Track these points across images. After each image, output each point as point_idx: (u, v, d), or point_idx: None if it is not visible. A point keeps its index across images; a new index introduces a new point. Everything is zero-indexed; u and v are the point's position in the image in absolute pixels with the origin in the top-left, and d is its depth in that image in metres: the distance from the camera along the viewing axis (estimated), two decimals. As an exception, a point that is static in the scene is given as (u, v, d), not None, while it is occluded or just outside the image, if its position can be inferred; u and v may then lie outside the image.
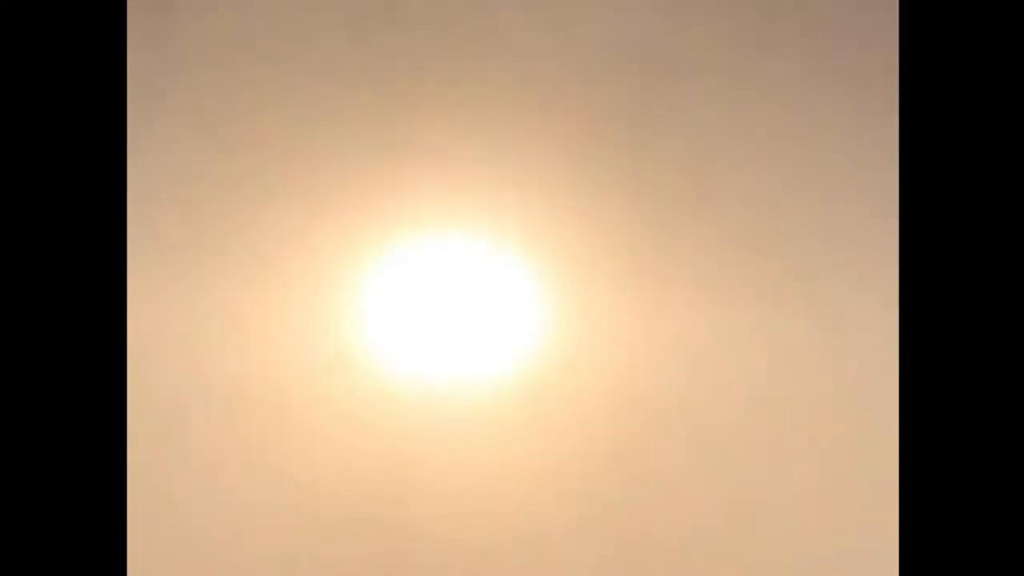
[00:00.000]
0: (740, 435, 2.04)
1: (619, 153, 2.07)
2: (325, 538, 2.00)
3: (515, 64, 2.08)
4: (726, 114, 2.09)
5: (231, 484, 1.99)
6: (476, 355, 2.03)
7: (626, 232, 2.06)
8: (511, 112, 2.07)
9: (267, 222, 2.03)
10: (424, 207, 2.05)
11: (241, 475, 1.99)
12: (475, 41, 2.08)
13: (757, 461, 2.04)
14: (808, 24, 2.11)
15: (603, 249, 2.06)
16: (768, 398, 2.05)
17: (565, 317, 2.05)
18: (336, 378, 2.01)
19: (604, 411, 2.04)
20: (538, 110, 2.07)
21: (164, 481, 1.98)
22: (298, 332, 2.02)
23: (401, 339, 2.03)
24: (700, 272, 2.06)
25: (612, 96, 2.08)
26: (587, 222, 2.06)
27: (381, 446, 2.01)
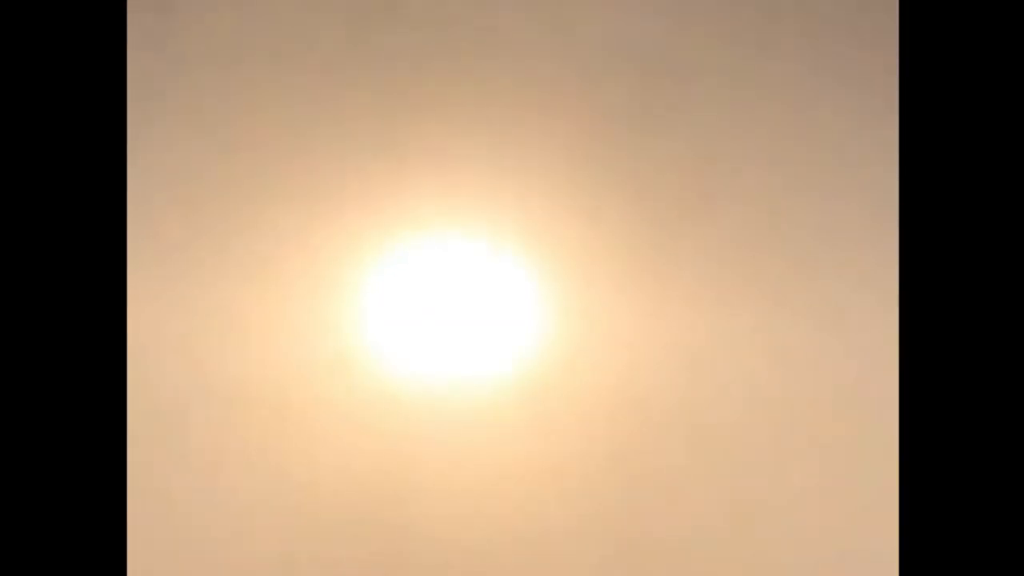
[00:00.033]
0: (740, 435, 2.04)
1: (619, 153, 2.07)
2: (325, 538, 2.00)
3: (515, 64, 2.08)
4: (726, 114, 2.09)
5: (231, 484, 1.99)
6: (476, 355, 2.03)
7: (626, 232, 2.06)
8: (511, 112, 2.07)
9: (267, 222, 2.03)
10: (424, 207, 2.05)
11: (241, 475, 1.99)
12: (475, 41, 2.08)
13: (757, 461, 2.04)
14: (808, 24, 2.11)
15: (603, 249, 2.06)
16: (768, 398, 2.05)
17: (565, 317, 2.05)
18: (336, 378, 2.01)
19: (604, 411, 2.04)
20: (538, 110, 2.07)
21: (164, 481, 1.98)
22: (298, 332, 2.02)
23: (401, 339, 2.03)
24: (700, 272, 2.06)
25: (612, 96, 2.08)
26: (587, 222, 2.06)
27: (381, 446, 2.01)
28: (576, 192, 2.06)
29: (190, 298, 2.01)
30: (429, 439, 2.02)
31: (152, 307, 2.00)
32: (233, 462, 1.99)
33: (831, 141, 2.09)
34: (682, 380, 2.04)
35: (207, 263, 2.02)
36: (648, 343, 2.04)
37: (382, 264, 2.04)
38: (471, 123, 2.07)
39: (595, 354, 2.04)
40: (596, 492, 2.02)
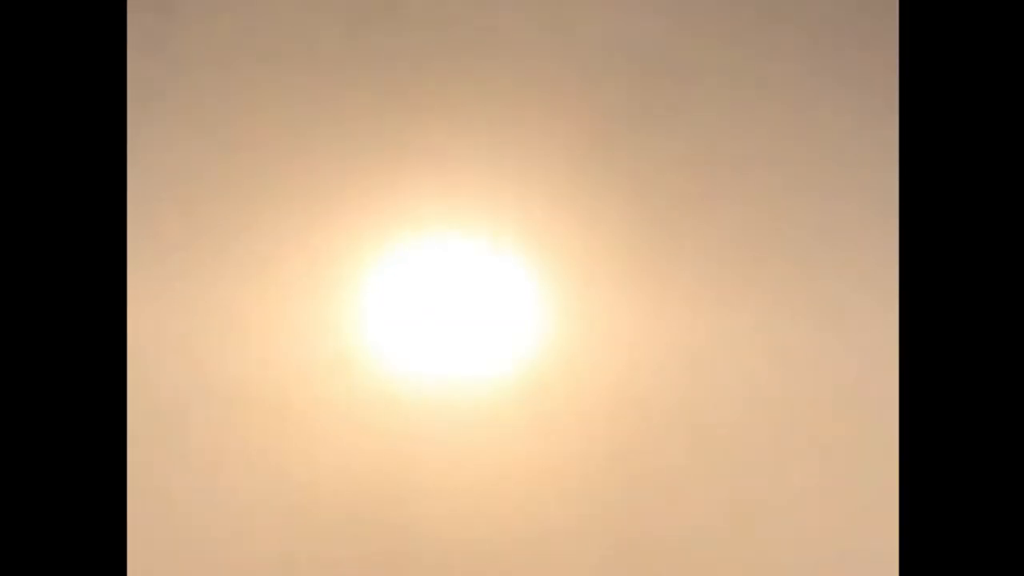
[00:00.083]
0: (740, 435, 2.04)
1: (619, 153, 2.07)
2: (325, 538, 2.00)
3: (515, 64, 2.08)
4: (726, 114, 2.09)
5: (231, 484, 1.99)
6: (476, 355, 2.03)
7: (626, 232, 2.06)
8: (511, 112, 2.07)
9: (267, 222, 2.03)
10: (424, 206, 2.05)
11: (241, 475, 1.99)
12: (475, 41, 2.08)
13: (757, 461, 2.04)
14: (808, 24, 2.11)
15: (603, 248, 2.06)
16: (768, 398, 2.05)
17: (565, 317, 2.05)
18: (336, 378, 2.01)
19: (604, 411, 2.03)
20: (538, 110, 2.07)
21: (164, 481, 1.98)
22: (298, 332, 2.02)
23: (401, 339, 2.03)
24: (700, 272, 2.06)
25: (612, 96, 2.08)
26: (587, 222, 2.06)
27: (381, 446, 2.01)
28: (576, 192, 2.06)
29: (190, 298, 2.01)
30: (429, 439, 2.02)
31: (152, 307, 2.00)
32: (233, 462, 1.99)
33: (831, 141, 2.09)
34: (682, 380, 2.04)
35: (207, 263, 2.02)
36: (648, 343, 2.04)
37: (382, 264, 2.04)
38: (471, 123, 2.07)
39: (595, 354, 2.04)
40: (596, 492, 2.02)
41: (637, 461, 2.03)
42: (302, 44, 2.06)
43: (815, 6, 2.11)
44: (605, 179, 2.07)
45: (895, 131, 2.09)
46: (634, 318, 2.05)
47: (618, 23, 2.09)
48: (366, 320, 2.03)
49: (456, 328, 2.03)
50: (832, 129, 2.09)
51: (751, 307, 2.06)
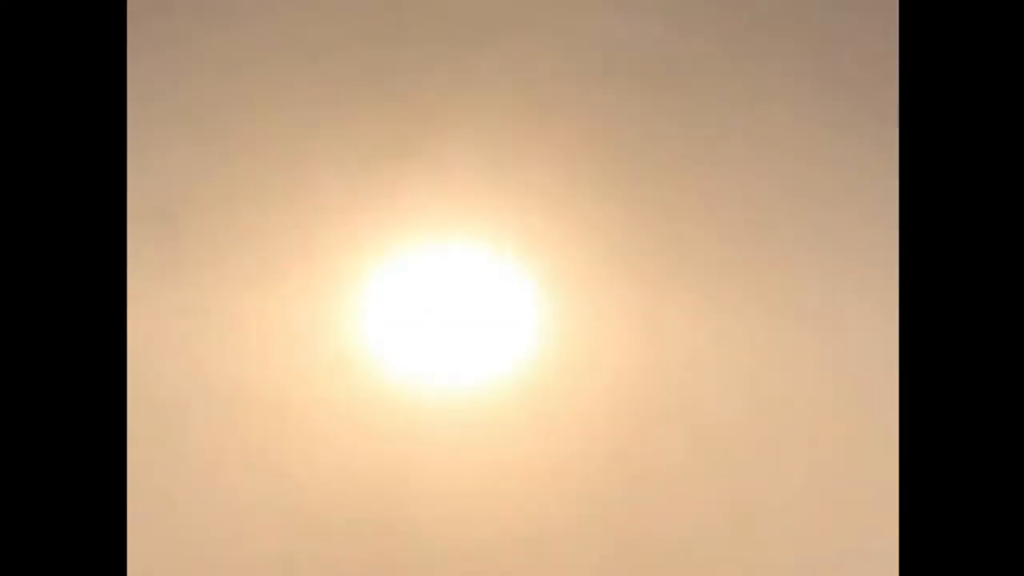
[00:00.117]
0: (740, 435, 2.04)
1: (619, 156, 2.07)
2: (325, 538, 1.99)
3: (515, 66, 2.08)
4: (726, 118, 2.09)
5: (231, 484, 1.99)
6: (476, 355, 2.03)
7: (626, 233, 2.06)
8: (511, 115, 2.07)
9: (267, 224, 2.03)
10: (424, 209, 2.05)
11: (241, 475, 1.99)
12: (475, 43, 2.08)
13: (757, 461, 2.04)
14: (809, 28, 2.11)
15: (603, 249, 2.06)
16: (768, 398, 2.05)
17: (565, 317, 2.05)
18: (336, 378, 2.01)
19: (604, 411, 2.03)
20: (538, 114, 2.07)
21: (164, 481, 1.98)
22: (298, 333, 2.02)
23: (401, 340, 2.03)
24: (700, 273, 2.06)
25: (612, 100, 2.08)
26: (587, 223, 2.06)
27: (381, 446, 2.01)
28: (576, 193, 2.06)
29: (190, 298, 2.01)
30: (429, 439, 2.02)
31: (152, 308, 2.00)
32: (233, 462, 1.99)
33: (831, 144, 2.09)
34: (682, 381, 2.04)
35: (207, 264, 2.02)
36: (648, 344, 2.04)
37: (382, 265, 2.04)
38: (471, 125, 2.07)
39: (595, 354, 2.04)
40: (596, 492, 2.02)
41: (637, 461, 2.03)
42: (302, 47, 2.06)
43: (815, 8, 2.11)
44: (605, 181, 2.07)
45: (895, 133, 2.09)
46: (633, 320, 2.05)
47: (618, 25, 2.09)
48: (366, 321, 2.03)
49: (456, 329, 2.03)
50: (831, 131, 2.09)
51: (751, 308, 2.06)
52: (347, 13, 2.07)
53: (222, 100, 2.04)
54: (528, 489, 2.02)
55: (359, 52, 2.07)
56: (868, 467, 2.04)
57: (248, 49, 2.06)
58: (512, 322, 2.04)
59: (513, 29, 2.08)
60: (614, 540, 2.02)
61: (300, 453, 2.00)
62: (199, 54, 2.05)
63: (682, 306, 2.05)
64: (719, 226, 2.07)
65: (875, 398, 2.05)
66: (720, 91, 2.09)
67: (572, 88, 2.08)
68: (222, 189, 2.03)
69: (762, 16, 2.10)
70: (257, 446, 2.00)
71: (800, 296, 2.06)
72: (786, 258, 2.07)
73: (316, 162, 2.05)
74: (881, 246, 2.08)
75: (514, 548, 2.01)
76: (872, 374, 2.05)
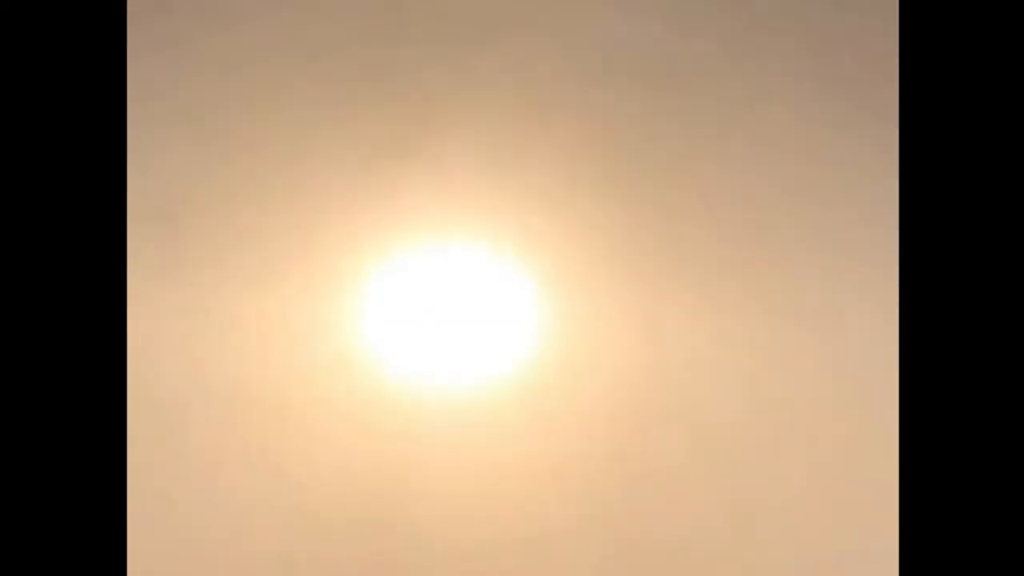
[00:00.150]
0: (740, 435, 2.04)
1: (619, 156, 2.07)
2: (325, 538, 1.99)
3: (515, 66, 2.08)
4: (726, 118, 2.09)
5: (231, 484, 1.99)
6: (476, 355, 2.03)
7: (626, 233, 2.06)
8: (511, 115, 2.07)
9: (267, 224, 2.03)
10: (424, 209, 2.05)
11: (241, 475, 1.99)
12: (475, 43, 2.08)
13: (757, 461, 2.04)
14: (809, 28, 2.11)
15: (603, 249, 2.06)
16: (768, 398, 2.05)
17: (565, 317, 2.05)
18: (336, 378, 2.01)
19: (604, 411, 2.03)
20: (538, 113, 2.07)
21: (164, 481, 1.98)
22: (298, 333, 2.02)
23: (401, 340, 2.03)
24: (700, 273, 2.06)
25: (612, 100, 2.08)
26: (587, 223, 2.06)
27: (381, 446, 2.01)
28: (576, 193, 2.06)
29: (190, 298, 2.01)
30: (429, 439, 2.02)
31: (152, 307, 2.00)
32: (233, 462, 1.99)
33: (831, 144, 2.09)
34: (682, 381, 2.04)
35: (207, 264, 2.02)
36: (648, 344, 2.04)
37: (382, 265, 2.04)
38: (471, 125, 2.07)
39: (595, 354, 2.04)
40: (596, 492, 2.02)
41: (637, 461, 2.03)
42: (302, 48, 2.06)
43: (815, 8, 2.11)
44: (605, 181, 2.07)
45: (895, 133, 2.09)
46: (633, 320, 2.05)
47: (618, 25, 2.09)
48: (366, 321, 2.03)
49: (456, 329, 2.03)
50: (831, 131, 2.09)
51: (751, 308, 2.06)
52: (347, 13, 2.07)
53: (222, 100, 2.04)
54: (528, 489, 2.02)
55: (359, 52, 2.07)
56: (868, 467, 2.04)
57: (248, 49, 2.06)
58: (512, 322, 2.04)
59: (513, 29, 2.08)
60: (614, 540, 2.02)
61: (300, 453, 2.00)
62: (199, 54, 2.05)
63: (682, 306, 2.05)
64: (719, 226, 2.07)
65: (875, 398, 2.05)
66: (720, 91, 2.09)
67: (572, 88, 2.08)
68: (222, 189, 2.03)
69: (762, 16, 2.10)
70: (257, 446, 2.00)
71: (800, 296, 2.06)
72: (786, 258, 2.07)
73: (316, 162, 2.05)
74: (881, 246, 2.08)
75: (514, 548, 2.01)
76: (872, 374, 2.05)
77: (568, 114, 2.07)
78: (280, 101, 2.05)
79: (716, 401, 2.04)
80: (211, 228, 2.02)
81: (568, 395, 2.03)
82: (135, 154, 2.03)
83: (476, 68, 2.07)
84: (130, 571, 1.96)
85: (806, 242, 2.07)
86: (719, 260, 2.06)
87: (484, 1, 2.08)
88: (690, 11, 2.10)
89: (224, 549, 1.98)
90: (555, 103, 2.07)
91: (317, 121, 2.05)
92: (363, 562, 2.00)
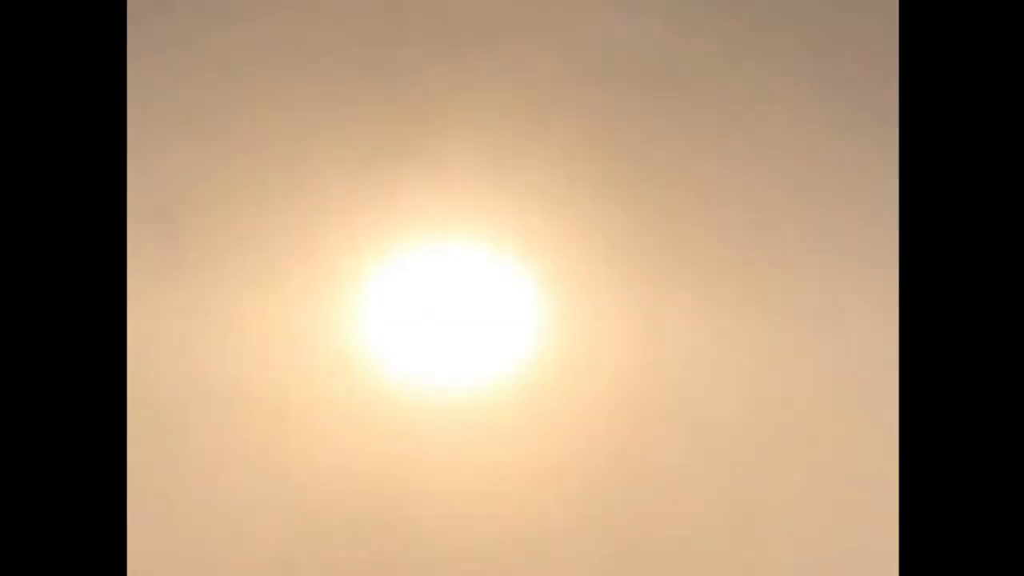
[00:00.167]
0: (740, 435, 2.04)
1: (619, 156, 2.07)
2: (325, 538, 2.00)
3: (515, 66, 2.08)
4: (726, 118, 2.09)
5: (231, 484, 1.99)
6: (476, 355, 2.03)
7: (626, 233, 2.06)
8: (511, 115, 2.07)
9: (267, 224, 2.03)
10: (424, 209, 2.05)
11: (241, 475, 1.99)
12: (475, 43, 2.08)
13: (757, 461, 2.04)
14: (809, 28, 2.11)
15: (603, 249, 2.06)
16: (768, 398, 2.05)
17: (565, 317, 2.05)
18: (336, 378, 2.01)
19: (604, 411, 2.03)
20: (538, 113, 2.07)
21: (164, 481, 1.98)
22: (298, 333, 2.02)
23: (401, 340, 2.03)
24: (700, 273, 2.06)
25: (612, 100, 2.08)
26: (587, 223, 2.06)
27: (381, 446, 2.01)
28: (576, 193, 2.06)
29: (190, 298, 2.01)
30: (429, 439, 2.02)
31: (152, 307, 2.00)
32: (233, 462, 1.99)
33: (831, 144, 2.09)
34: (682, 381, 2.04)
35: (207, 264, 2.02)
36: (648, 344, 2.04)
37: (382, 265, 2.04)
38: (471, 125, 2.07)
39: (595, 354, 2.04)
40: (596, 492, 2.02)
41: (637, 461, 2.03)
42: (302, 48, 2.06)
43: (815, 8, 2.11)
44: (605, 181, 2.07)
45: (895, 133, 2.09)
46: (633, 320, 2.05)
47: (618, 25, 2.09)
48: (366, 321, 2.03)
49: (456, 329, 2.03)
50: (831, 131, 2.09)
51: (751, 308, 2.06)
52: (347, 13, 2.07)
53: (222, 100, 2.04)
54: (528, 489, 2.02)
55: (359, 52, 2.07)
56: (868, 467, 2.04)
57: (248, 49, 2.06)
58: (512, 322, 2.04)
59: (513, 29, 2.08)
60: (614, 540, 2.02)
61: (300, 453, 2.00)
62: (199, 54, 2.05)
63: (682, 306, 2.05)
64: (719, 226, 2.07)
65: (875, 398, 2.05)
66: (720, 91, 2.09)
67: (572, 88, 2.08)
68: (222, 189, 2.03)
69: (762, 16, 2.10)
70: (257, 446, 2.00)
71: (800, 296, 2.06)
72: (786, 258, 2.07)
73: (316, 162, 2.05)
74: (881, 246, 2.08)
75: (514, 548, 2.01)
76: (872, 374, 2.05)
77: (568, 114, 2.07)
78: (280, 101, 2.05)
79: (716, 401, 2.04)
80: (211, 228, 2.02)
81: (568, 395, 2.03)
82: (135, 154, 2.03)
83: (476, 68, 2.07)
84: (130, 571, 1.96)
85: (806, 242, 2.07)
86: (719, 260, 2.06)
87: (484, 1, 2.09)
88: (690, 11, 2.10)
89: (224, 549, 1.98)
90: (555, 103, 2.07)
91: (317, 121, 2.05)
92: (363, 562, 2.00)
